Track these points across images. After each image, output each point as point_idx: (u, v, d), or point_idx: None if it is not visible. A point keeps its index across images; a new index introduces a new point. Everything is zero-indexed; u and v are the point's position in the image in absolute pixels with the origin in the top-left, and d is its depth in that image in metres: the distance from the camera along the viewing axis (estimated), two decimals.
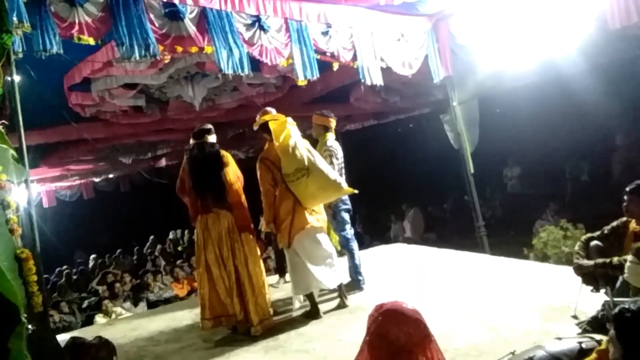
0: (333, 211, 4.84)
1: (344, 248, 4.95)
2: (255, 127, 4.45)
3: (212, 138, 4.30)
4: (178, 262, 10.23)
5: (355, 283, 4.92)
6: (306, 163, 4.14)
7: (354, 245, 4.91)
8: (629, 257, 2.72)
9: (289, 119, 4.33)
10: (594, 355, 2.04)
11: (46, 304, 3.27)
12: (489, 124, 7.64)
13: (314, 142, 4.79)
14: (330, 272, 4.30)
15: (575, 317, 3.43)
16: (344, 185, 4.35)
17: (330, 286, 4.36)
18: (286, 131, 4.22)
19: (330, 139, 4.92)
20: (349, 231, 4.92)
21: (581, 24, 4.92)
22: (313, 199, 4.24)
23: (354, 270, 4.92)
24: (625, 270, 2.76)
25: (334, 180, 4.23)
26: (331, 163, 4.71)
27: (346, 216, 4.90)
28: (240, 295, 4.15)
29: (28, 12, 3.46)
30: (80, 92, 6.39)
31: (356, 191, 4.49)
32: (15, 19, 3.31)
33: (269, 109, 4.52)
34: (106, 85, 6.23)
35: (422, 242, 9.25)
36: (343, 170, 4.88)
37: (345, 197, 4.80)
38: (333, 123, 5.00)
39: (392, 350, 1.63)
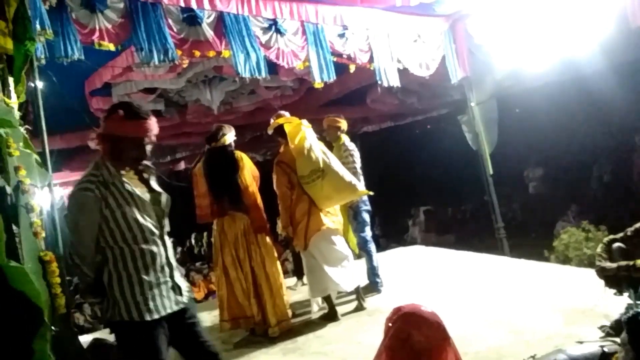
0: (354, 212, 4.84)
1: (362, 249, 4.94)
2: (270, 131, 4.47)
3: (228, 138, 4.27)
4: (197, 264, 10.32)
5: (373, 285, 4.91)
6: (321, 165, 4.14)
7: (372, 247, 4.90)
8: None
9: (304, 121, 4.34)
10: None
11: (69, 306, 3.33)
12: (508, 124, 7.57)
13: (328, 145, 4.80)
14: (347, 275, 4.30)
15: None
16: (359, 186, 4.35)
17: (348, 289, 4.35)
18: (301, 133, 4.23)
19: (346, 140, 4.93)
20: (368, 233, 4.91)
21: (601, 22, 4.85)
22: (328, 201, 4.24)
23: (372, 272, 4.91)
24: None
25: (349, 181, 4.23)
26: (353, 162, 4.72)
27: (367, 217, 4.89)
28: (258, 296, 4.17)
29: (50, 20, 3.54)
30: (101, 97, 6.50)
31: (371, 193, 4.48)
32: (38, 26, 3.38)
33: (282, 112, 4.53)
34: (126, 89, 6.34)
35: (427, 243, 9.09)
36: (361, 171, 4.88)
37: (366, 198, 4.80)
38: (345, 124, 5.02)
39: (411, 354, 1.62)
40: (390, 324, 1.71)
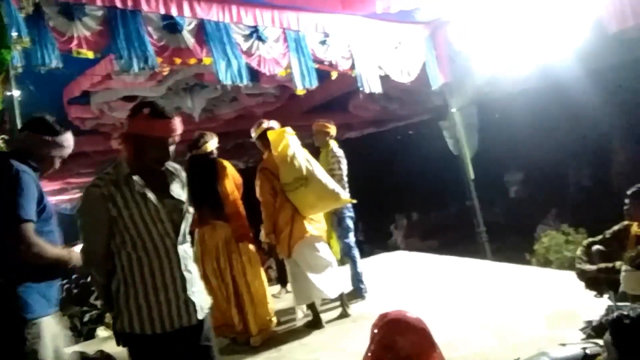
0: (338, 218, 4.85)
1: (346, 256, 4.94)
2: (254, 137, 4.46)
3: (209, 146, 4.25)
4: None
5: (357, 291, 4.90)
6: (305, 172, 4.14)
7: (356, 253, 4.90)
8: (623, 267, 2.70)
9: (288, 129, 4.34)
10: None
11: None
12: (488, 130, 7.66)
13: (315, 151, 4.80)
14: (331, 281, 4.29)
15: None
16: (343, 194, 4.35)
17: (332, 295, 4.35)
18: (285, 141, 4.22)
19: (335, 146, 4.96)
20: (352, 239, 4.92)
21: (578, 28, 4.94)
22: (311, 208, 4.24)
23: (356, 278, 4.91)
24: (621, 279, 2.74)
25: (332, 189, 4.23)
26: (339, 169, 4.73)
27: (350, 224, 4.91)
28: (239, 305, 4.15)
29: (27, 27, 3.48)
30: (79, 106, 6.41)
31: (354, 201, 4.48)
32: (14, 34, 3.32)
33: (263, 120, 4.53)
34: (105, 98, 6.25)
35: (411, 248, 9.11)
36: (346, 179, 4.89)
37: (350, 205, 4.81)
38: (334, 130, 5.04)
39: None
40: (375, 331, 1.70)
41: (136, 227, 2.04)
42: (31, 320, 2.14)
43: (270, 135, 4.29)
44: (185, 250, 2.19)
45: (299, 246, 4.21)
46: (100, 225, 2.04)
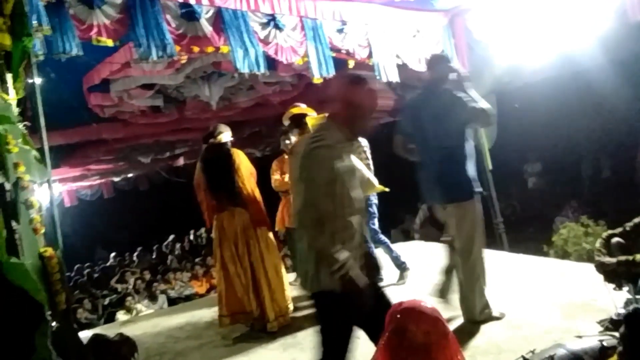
0: (367, 205, 4.96)
1: (374, 241, 5.08)
2: (286, 122, 4.49)
3: (224, 137, 4.32)
4: (196, 259, 10.34)
5: (401, 269, 5.17)
6: None
7: (383, 236, 5.12)
8: None
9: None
10: (615, 357, 2.01)
11: (69, 301, 3.33)
12: (508, 120, 7.56)
13: None
14: None
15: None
16: (376, 182, 4.42)
17: None
18: None
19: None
20: (377, 224, 5.12)
21: (600, 16, 4.84)
22: None
23: (394, 256, 5.18)
24: None
25: (368, 176, 4.31)
26: (367, 159, 4.90)
27: (375, 210, 5.14)
28: (256, 291, 4.19)
29: (48, 15, 3.53)
30: (99, 93, 6.48)
31: (387, 189, 4.54)
32: (35, 22, 3.37)
33: (299, 104, 4.57)
34: (124, 85, 6.31)
35: (427, 239, 9.05)
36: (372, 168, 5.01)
37: (375, 192, 4.98)
38: None
39: (409, 349, 1.63)
40: (390, 319, 1.72)
41: (346, 190, 2.20)
42: None
43: (311, 120, 4.33)
44: None
45: None
46: (327, 187, 2.14)
